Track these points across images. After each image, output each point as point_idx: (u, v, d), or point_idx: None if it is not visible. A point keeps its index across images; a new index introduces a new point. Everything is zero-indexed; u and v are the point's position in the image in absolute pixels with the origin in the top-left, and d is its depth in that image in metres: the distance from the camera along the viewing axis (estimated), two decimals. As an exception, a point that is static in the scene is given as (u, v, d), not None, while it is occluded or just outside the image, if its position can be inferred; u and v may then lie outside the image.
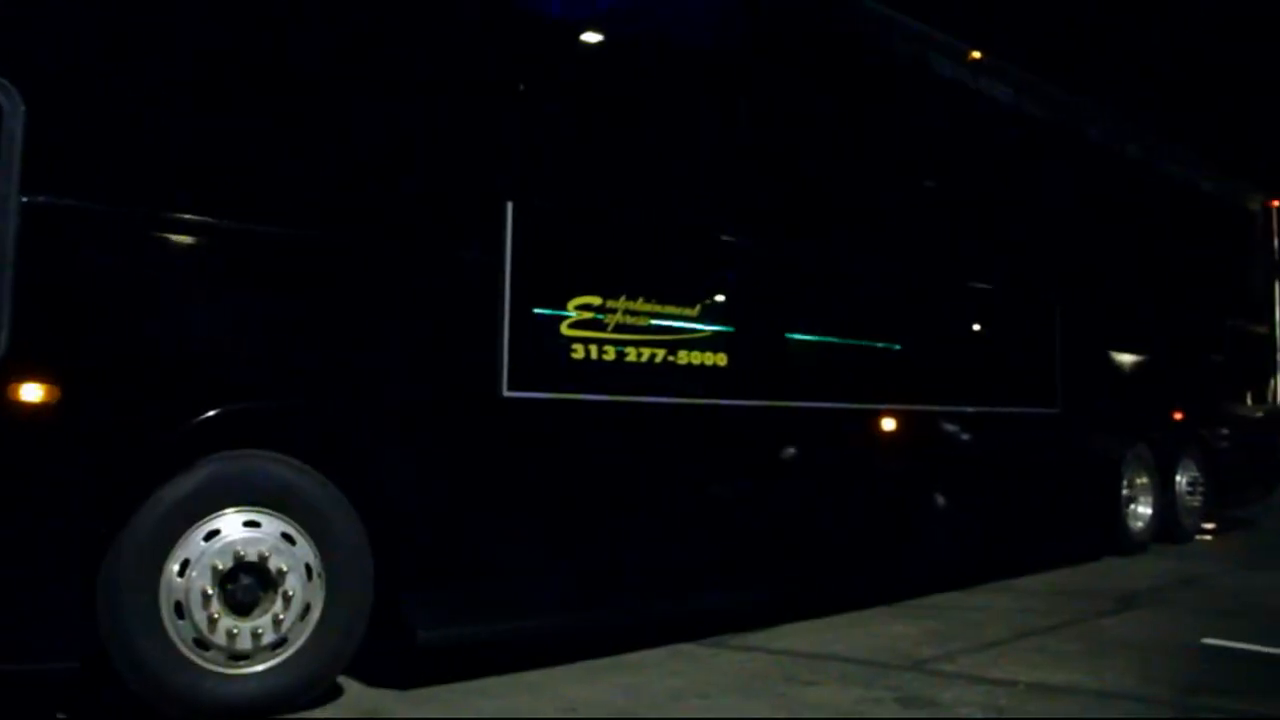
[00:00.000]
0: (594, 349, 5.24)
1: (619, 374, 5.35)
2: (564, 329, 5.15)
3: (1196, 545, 10.63)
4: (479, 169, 5.00)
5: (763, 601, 6.40)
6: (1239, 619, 6.63)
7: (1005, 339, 8.37)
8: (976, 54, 8.03)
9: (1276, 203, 13.14)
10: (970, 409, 7.76)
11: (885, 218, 7.27)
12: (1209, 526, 11.27)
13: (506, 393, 4.92)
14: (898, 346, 7.30)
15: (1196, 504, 10.90)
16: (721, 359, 5.84)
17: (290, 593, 4.32)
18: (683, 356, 5.63)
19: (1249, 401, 12.32)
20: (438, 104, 4.89)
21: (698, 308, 5.73)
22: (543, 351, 5.10)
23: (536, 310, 5.07)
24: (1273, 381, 12.99)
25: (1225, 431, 11.53)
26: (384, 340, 4.68)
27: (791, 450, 6.37)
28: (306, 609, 4.38)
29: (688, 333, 5.67)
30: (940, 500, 7.52)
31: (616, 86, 5.72)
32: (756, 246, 6.24)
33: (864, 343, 6.99)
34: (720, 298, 5.94)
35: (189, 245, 4.22)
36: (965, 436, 7.74)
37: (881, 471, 7.06)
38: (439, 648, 4.78)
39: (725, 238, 6.11)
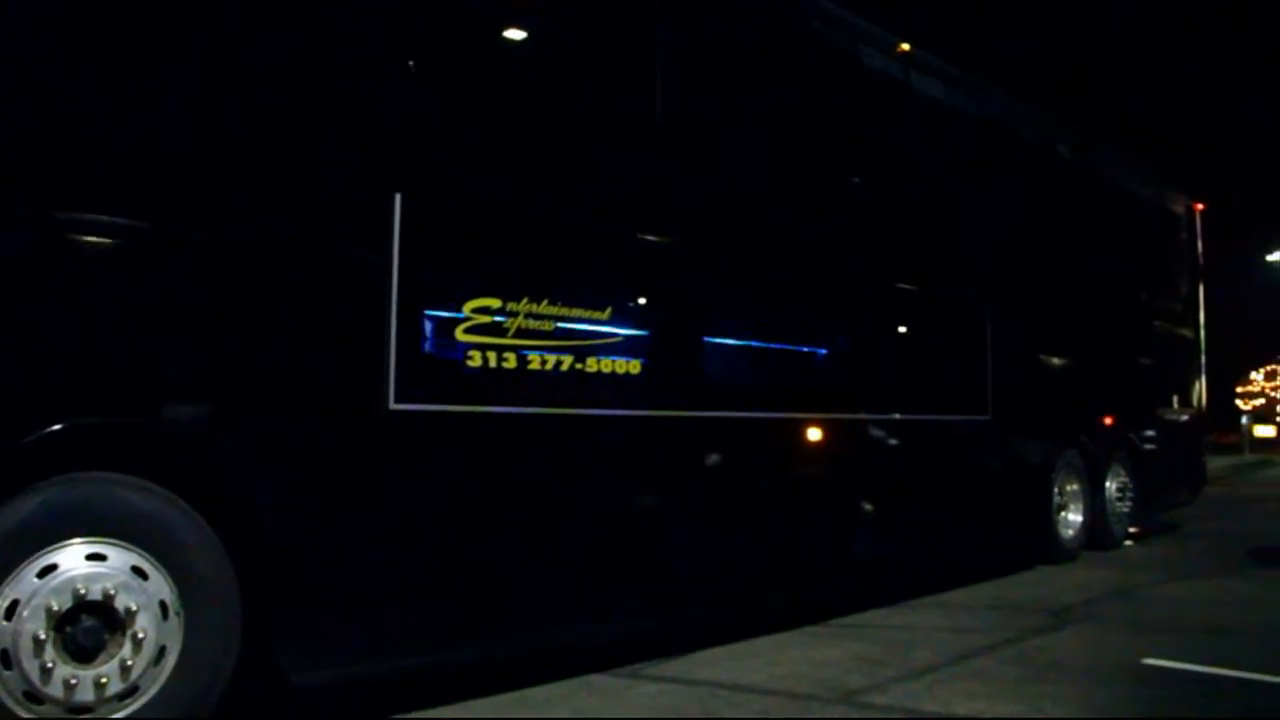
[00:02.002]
0: (493, 356, 4.76)
1: (521, 383, 4.88)
2: (459, 334, 4.66)
3: (1125, 552, 10.46)
4: (362, 155, 4.50)
5: (680, 627, 5.99)
6: (1176, 635, 6.36)
7: (935, 343, 8.06)
8: (905, 46, 7.71)
9: (1200, 206, 13.10)
10: (900, 417, 7.43)
11: (810, 214, 6.89)
12: (1134, 531, 11.12)
13: (393, 405, 4.42)
14: (823, 352, 6.93)
15: (1126, 510, 10.75)
16: (635, 367, 5.39)
17: (141, 635, 3.78)
18: (592, 364, 5.18)
19: (1175, 405, 12.22)
20: (311, 81, 4.38)
21: (608, 311, 5.27)
22: (435, 359, 4.61)
23: (428, 313, 4.58)
24: (1197, 385, 12.94)
25: (1153, 435, 11.40)
26: (251, 347, 4.15)
27: (709, 463, 5.95)
28: (161, 653, 3.85)
29: (597, 338, 5.21)
30: (869, 513, 7.16)
31: (520, 62, 5.25)
32: (671, 244, 5.79)
33: (786, 348, 6.59)
34: (633, 300, 5.50)
35: (18, 238, 3.66)
36: (895, 446, 7.40)
37: (807, 484, 6.68)
38: (318, 690, 4.29)
39: (638, 235, 5.65)
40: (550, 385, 4.99)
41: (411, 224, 4.50)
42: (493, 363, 4.76)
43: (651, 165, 5.75)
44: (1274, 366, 58.40)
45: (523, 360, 4.88)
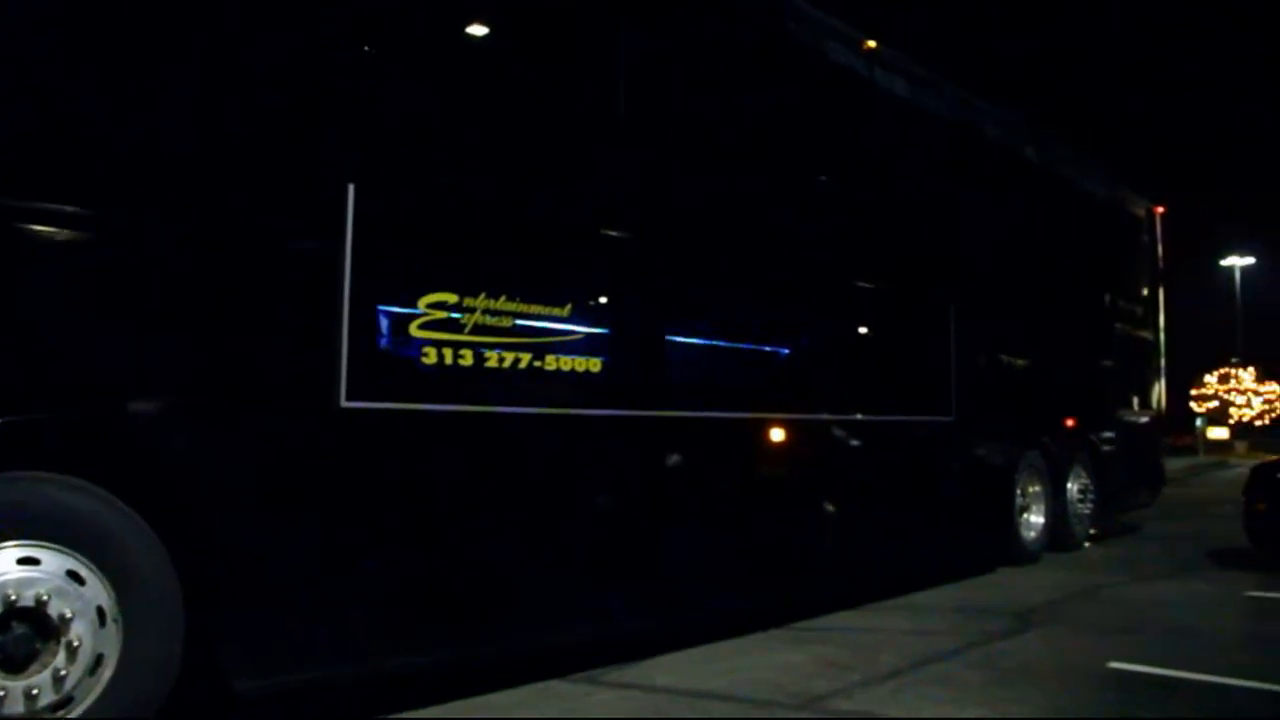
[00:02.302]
0: (449, 353, 4.61)
1: (478, 381, 4.73)
2: (414, 330, 4.51)
3: (1086, 553, 10.47)
4: (315, 144, 4.33)
5: (642, 630, 5.86)
6: (1140, 638, 6.32)
7: (900, 343, 8.00)
8: (872, 43, 7.63)
9: (1160, 209, 13.16)
10: (864, 417, 7.35)
11: (774, 212, 6.78)
12: (1094, 532, 11.14)
13: (345, 403, 4.25)
14: (787, 351, 6.83)
15: (1087, 511, 10.76)
16: (595, 365, 5.26)
17: (76, 642, 3.61)
18: (551, 362, 5.04)
19: (1135, 407, 12.27)
20: (260, 66, 4.21)
21: (568, 307, 5.14)
22: (388, 356, 4.45)
23: (381, 308, 4.42)
24: (1157, 387, 13.00)
25: (1114, 437, 11.43)
26: (195, 343, 3.97)
27: (670, 464, 5.83)
28: (98, 661, 3.68)
29: (557, 335, 5.08)
30: (832, 514, 7.06)
31: (481, 53, 5.10)
32: (633, 241, 5.66)
33: (749, 347, 6.48)
34: (594, 297, 5.37)
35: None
36: (859, 447, 7.32)
37: (770, 485, 6.57)
38: (263, 697, 4.13)
39: (600, 231, 5.52)
40: (508, 383, 4.84)
41: (365, 216, 4.34)
42: (449, 360, 4.61)
43: (614, 161, 5.63)
44: (1227, 370, 59.15)
45: (480, 357, 4.73)
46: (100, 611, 3.69)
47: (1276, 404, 63.46)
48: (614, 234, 5.56)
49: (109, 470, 3.74)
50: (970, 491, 8.72)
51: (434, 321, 4.56)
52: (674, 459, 5.84)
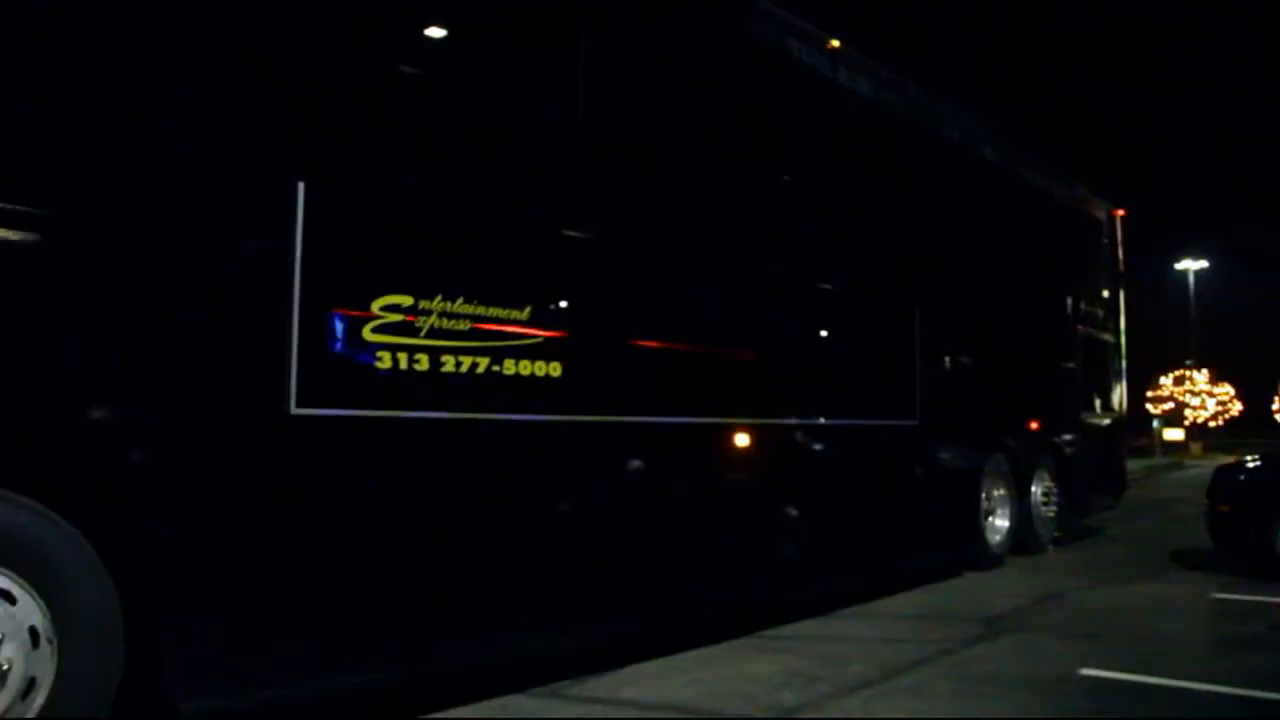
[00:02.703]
0: (404, 357, 4.44)
1: (434, 387, 4.55)
2: (367, 334, 4.33)
3: (1051, 557, 10.42)
4: (263, 138, 4.15)
5: (607, 639, 5.71)
6: (1109, 643, 6.26)
7: (865, 346, 7.91)
8: (835, 42, 7.53)
9: (1120, 212, 13.20)
10: (830, 422, 7.23)
11: (735, 213, 6.65)
12: (1058, 535, 11.11)
13: (295, 410, 4.07)
14: (750, 355, 6.70)
15: (1051, 514, 10.74)
16: (555, 369, 5.10)
17: (6, 666, 3.42)
18: (510, 366, 4.87)
19: (1097, 409, 12.27)
20: (203, 53, 4.02)
21: (527, 311, 4.98)
22: (340, 360, 4.26)
23: (333, 311, 4.23)
24: (1118, 389, 13.03)
25: (1076, 439, 11.42)
26: (136, 347, 3.77)
27: (631, 470, 5.67)
28: (30, 685, 3.48)
29: (516, 339, 4.91)
30: (798, 520, 6.94)
31: (438, 47, 4.92)
32: (592, 243, 5.51)
33: (711, 351, 6.33)
34: (553, 300, 5.20)
35: None
36: (825, 452, 7.20)
37: (735, 492, 6.44)
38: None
39: (559, 232, 5.37)
40: (465, 389, 4.67)
41: (316, 215, 4.16)
42: (403, 364, 4.43)
43: (573, 161, 5.47)
44: (1182, 371, 59.85)
45: (436, 362, 4.56)
46: (33, 632, 3.49)
47: (1230, 405, 64.31)
48: (573, 235, 5.41)
49: (42, 482, 3.54)
50: (936, 496, 8.64)
51: (388, 325, 4.39)
52: (635, 466, 5.69)
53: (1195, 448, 49.35)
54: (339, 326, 4.25)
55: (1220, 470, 9.77)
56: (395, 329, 4.41)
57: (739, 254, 6.63)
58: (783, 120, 7.16)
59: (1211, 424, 61.41)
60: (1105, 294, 12.73)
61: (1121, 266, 13.28)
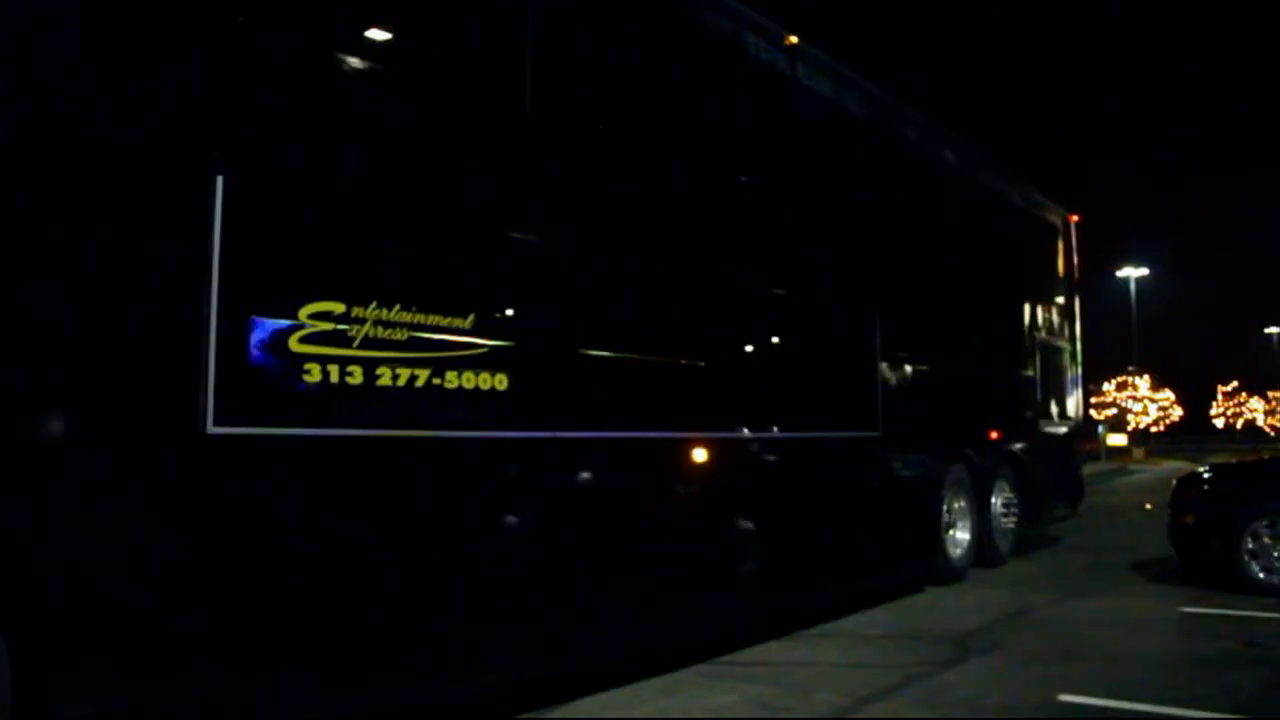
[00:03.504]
0: (335, 370, 4.03)
1: (368, 402, 4.14)
2: (294, 344, 3.92)
3: (1012, 569, 10.18)
4: (177, 127, 3.73)
5: (560, 669, 5.33)
6: (1083, 664, 6.00)
7: (824, 355, 7.59)
8: (794, 39, 7.23)
9: (1075, 218, 13.07)
10: (788, 435, 6.91)
11: (690, 213, 6.31)
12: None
13: (212, 429, 3.65)
14: (707, 365, 6.35)
15: (1011, 525, 10.51)
16: (501, 381, 4.70)
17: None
18: (452, 379, 4.47)
19: (1054, 417, 12.09)
20: (113, 35, 3.60)
21: (471, 318, 4.59)
22: (263, 374, 3.85)
23: (256, 319, 3.82)
24: (1075, 396, 12.88)
25: (1035, 448, 11.21)
26: (28, 358, 3.34)
27: (580, 488, 5.30)
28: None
29: (459, 349, 4.52)
30: (755, 538, 6.60)
31: (370, 22, 4.48)
32: (539, 245, 5.13)
33: (664, 360, 5.95)
34: (499, 306, 4.82)
35: None
36: (783, 466, 6.87)
37: (691, 509, 6.08)
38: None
39: (502, 234, 4.98)
40: (403, 403, 4.27)
41: (236, 213, 3.75)
42: (334, 377, 4.02)
43: (520, 158, 5.10)
44: (1124, 378, 60.67)
45: (371, 375, 4.15)
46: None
47: (1170, 411, 65.37)
48: (518, 236, 5.02)
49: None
50: (897, 509, 8.36)
51: (317, 334, 3.98)
52: (585, 483, 5.32)
53: (1138, 453, 49.95)
54: (262, 336, 3.84)
55: (1184, 480, 9.59)
56: (325, 339, 4.01)
57: (693, 258, 6.29)
58: (738, 118, 6.83)
59: (1153, 429, 62.29)
60: (1061, 300, 12.57)
61: (1077, 273, 13.14)
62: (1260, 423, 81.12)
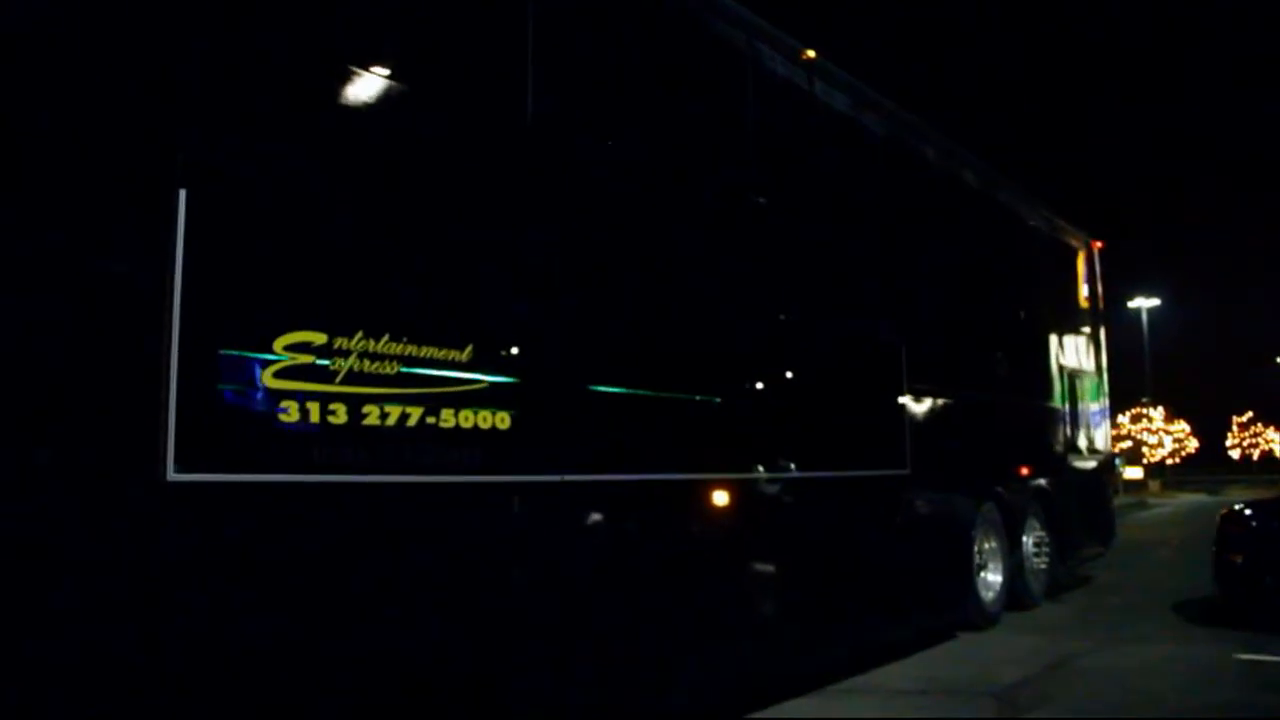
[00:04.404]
0: (315, 408, 3.58)
1: (353, 444, 3.68)
2: (268, 379, 3.48)
3: (1046, 612, 9.64)
4: (134, 136, 3.32)
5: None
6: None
7: (849, 387, 7.13)
8: (811, 53, 6.83)
9: (1099, 244, 12.62)
10: (811, 475, 6.42)
11: (704, 235, 5.87)
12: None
13: (172, 475, 3.20)
14: (729, 400, 5.89)
15: (1043, 565, 9.99)
16: (503, 420, 4.25)
17: None
18: (448, 417, 4.02)
19: (1085, 450, 11.57)
20: (55, 25, 3.19)
21: (469, 350, 4.14)
22: (233, 414, 3.40)
23: (224, 352, 3.39)
24: (1104, 429, 12.38)
25: (1066, 484, 10.70)
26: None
27: (591, 536, 4.84)
28: None
29: (456, 384, 4.07)
30: (779, 587, 6.12)
31: (357, 20, 4.05)
32: (542, 269, 4.70)
33: (679, 397, 5.49)
34: (501, 336, 4.38)
35: None
36: (807, 509, 6.37)
37: (709, 556, 5.58)
38: None
39: (503, 253, 4.55)
40: (393, 445, 3.81)
41: (202, 231, 3.32)
42: (314, 417, 3.57)
43: (519, 171, 4.67)
44: (1139, 410, 59.94)
45: (356, 413, 3.70)
46: None
47: (1185, 442, 64.54)
48: (518, 259, 4.59)
49: None
50: (927, 552, 7.86)
51: (295, 368, 3.54)
52: (596, 531, 4.86)
53: (1154, 485, 49.22)
54: (232, 371, 3.40)
55: (1228, 519, 9.07)
56: (304, 373, 3.56)
57: (710, 284, 5.85)
58: (756, 136, 6.41)
59: (1168, 461, 61.50)
60: (1087, 328, 12.10)
61: (1101, 301, 12.68)
62: (1278, 453, 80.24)
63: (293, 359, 3.53)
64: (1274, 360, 78.44)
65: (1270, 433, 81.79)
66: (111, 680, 3.09)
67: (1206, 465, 70.91)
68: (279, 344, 3.51)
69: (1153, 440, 59.15)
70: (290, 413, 3.52)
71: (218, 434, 3.35)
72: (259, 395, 3.45)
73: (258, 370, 3.45)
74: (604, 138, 5.24)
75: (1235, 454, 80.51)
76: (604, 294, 5.10)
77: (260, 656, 3.45)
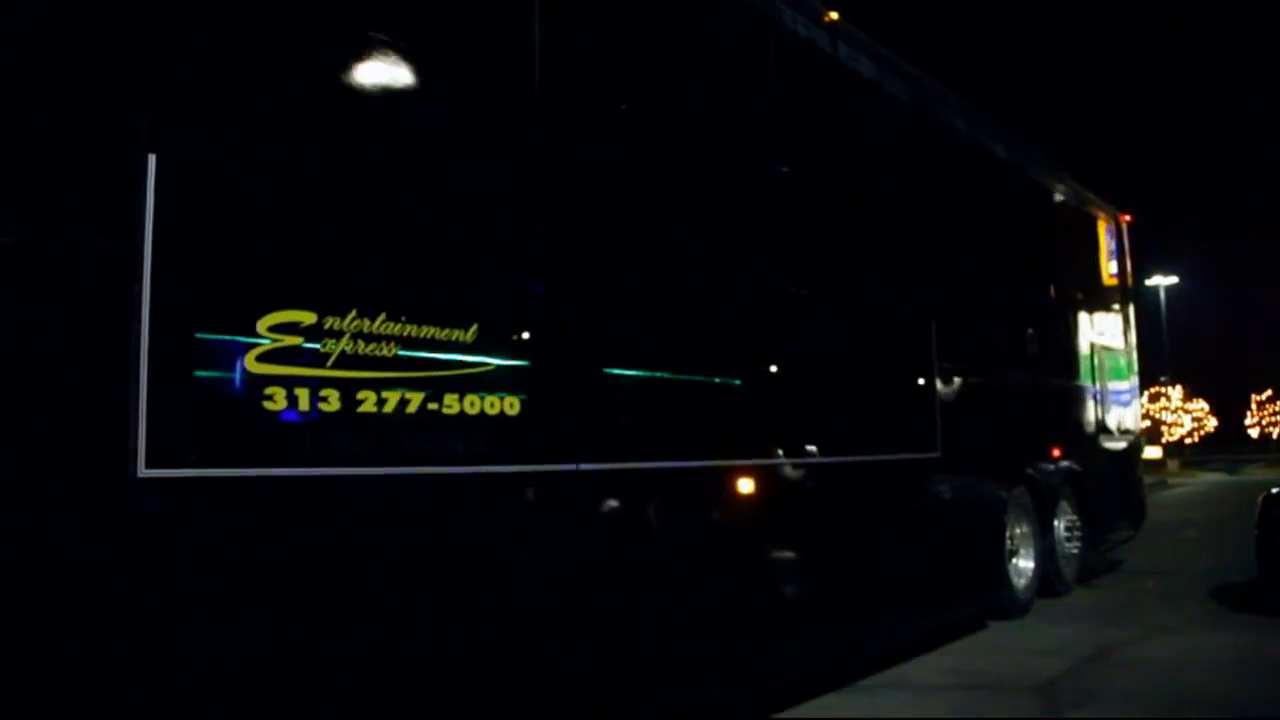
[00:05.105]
0: (304, 395, 3.26)
1: (348, 433, 3.37)
2: (252, 364, 3.16)
3: (1079, 599, 9.30)
4: (96, 97, 2.99)
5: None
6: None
7: (878, 366, 6.78)
8: (834, 15, 6.46)
9: (1127, 218, 12.21)
10: (839, 459, 6.08)
11: (725, 208, 5.50)
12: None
13: (144, 471, 2.89)
14: (754, 383, 5.56)
15: (1075, 551, 9.63)
16: (512, 406, 3.92)
17: None
18: (452, 403, 3.70)
19: (1115, 430, 11.19)
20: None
21: (474, 329, 3.81)
22: (211, 403, 3.09)
23: (200, 336, 3.07)
24: (1133, 408, 11.99)
25: (1097, 465, 10.33)
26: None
27: (606, 528, 4.51)
28: None
29: (459, 367, 3.75)
30: (807, 579, 5.80)
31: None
32: (552, 241, 4.36)
33: (697, 379, 5.15)
34: (509, 315, 4.05)
35: None
36: (836, 495, 6.04)
37: (732, 549, 5.24)
38: None
39: (512, 223, 4.21)
40: (393, 434, 3.49)
41: (174, 201, 3.00)
42: (303, 404, 3.25)
43: (526, 139, 4.33)
44: (1157, 389, 59.36)
45: (350, 400, 3.38)
46: None
47: (1204, 421, 63.97)
48: (526, 232, 4.25)
49: None
50: (959, 538, 7.51)
51: (281, 351, 3.22)
52: (605, 525, 4.54)
53: (1173, 465, 48.75)
54: (210, 355, 3.08)
55: (1273, 500, 8.66)
56: (292, 357, 3.24)
57: (730, 259, 5.50)
58: (779, 101, 6.05)
59: (1187, 441, 60.96)
60: (1116, 305, 11.70)
61: (1130, 277, 12.27)
62: (1297, 431, 79.46)
63: (278, 341, 3.21)
64: (1293, 337, 77.58)
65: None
66: (74, 686, 2.78)
67: (1226, 444, 70.22)
68: (263, 325, 3.18)
69: (1171, 419, 58.64)
70: (276, 400, 3.20)
71: (194, 426, 3.03)
72: (240, 382, 3.13)
73: (239, 354, 3.13)
74: (616, 104, 4.89)
75: (1254, 432, 79.65)
76: (617, 270, 4.76)
77: (249, 665, 3.14)
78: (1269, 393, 79.22)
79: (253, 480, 3.15)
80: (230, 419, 3.12)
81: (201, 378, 3.06)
